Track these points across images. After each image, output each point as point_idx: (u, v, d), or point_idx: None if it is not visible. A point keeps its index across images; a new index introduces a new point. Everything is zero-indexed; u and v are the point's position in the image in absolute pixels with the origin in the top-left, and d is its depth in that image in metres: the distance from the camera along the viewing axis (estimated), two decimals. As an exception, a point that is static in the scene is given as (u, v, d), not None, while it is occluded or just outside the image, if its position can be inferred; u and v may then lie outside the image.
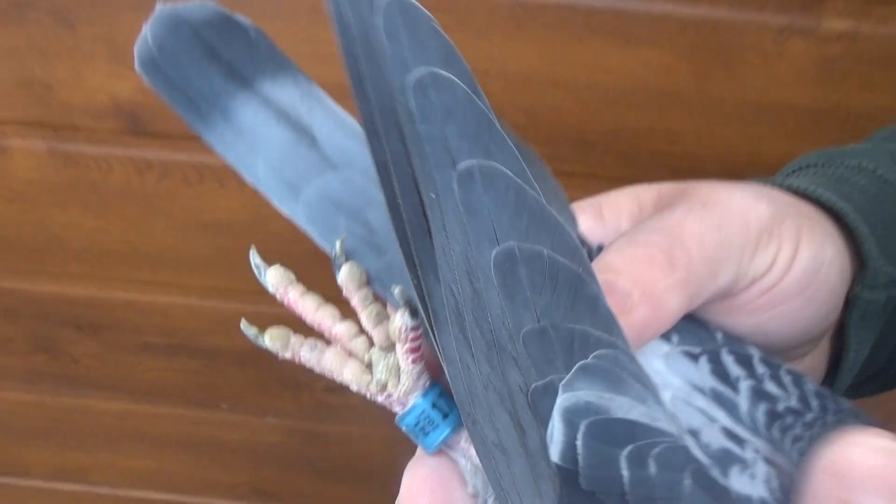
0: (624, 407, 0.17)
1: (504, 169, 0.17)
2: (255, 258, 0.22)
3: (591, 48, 0.49)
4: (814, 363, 0.27)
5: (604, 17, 0.48)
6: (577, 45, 0.49)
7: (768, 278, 0.22)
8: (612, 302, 0.18)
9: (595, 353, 0.17)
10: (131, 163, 0.57)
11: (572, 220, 0.24)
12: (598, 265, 0.20)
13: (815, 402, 0.20)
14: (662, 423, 0.17)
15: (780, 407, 0.20)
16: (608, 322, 0.18)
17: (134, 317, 0.65)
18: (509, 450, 0.18)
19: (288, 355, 0.22)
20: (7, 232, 0.62)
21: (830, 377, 0.28)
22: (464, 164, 0.17)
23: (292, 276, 0.22)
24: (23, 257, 0.63)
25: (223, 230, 0.60)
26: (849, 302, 0.25)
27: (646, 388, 0.17)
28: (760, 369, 0.21)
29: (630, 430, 0.17)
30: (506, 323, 0.17)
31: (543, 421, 0.17)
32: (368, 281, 0.22)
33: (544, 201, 0.17)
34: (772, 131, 0.51)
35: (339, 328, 0.22)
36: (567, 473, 0.16)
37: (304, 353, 0.22)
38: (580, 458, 0.16)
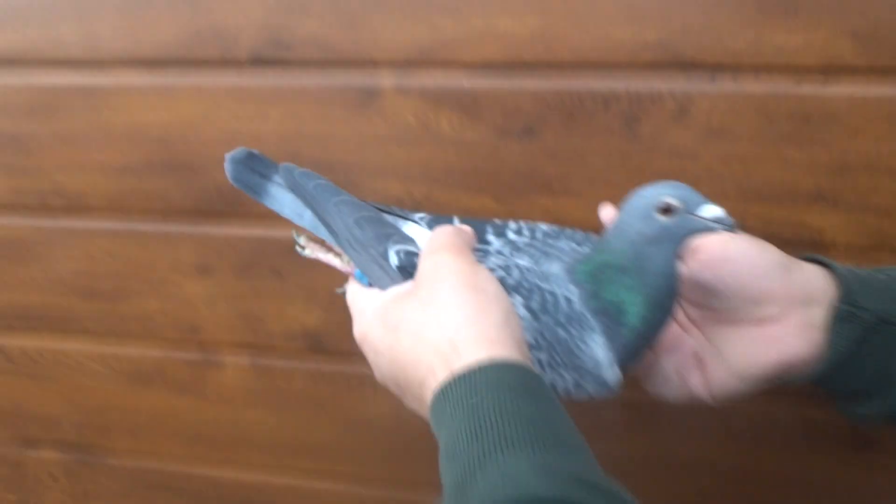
0: (411, 243, 0.48)
1: (353, 198, 0.50)
2: (299, 239, 0.55)
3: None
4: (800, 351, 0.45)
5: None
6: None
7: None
8: None
9: (392, 236, 0.48)
10: (309, 373, 0.77)
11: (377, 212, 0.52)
12: None
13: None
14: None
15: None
16: (393, 232, 0.49)
17: (294, 501, 0.81)
18: (378, 275, 0.47)
19: (309, 253, 0.55)
20: (206, 429, 0.81)
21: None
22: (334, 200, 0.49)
23: (316, 247, 0.56)
24: (215, 449, 0.82)
25: (371, 427, 0.77)
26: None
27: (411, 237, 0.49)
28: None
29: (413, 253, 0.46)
30: (362, 239, 0.47)
31: (388, 259, 0.47)
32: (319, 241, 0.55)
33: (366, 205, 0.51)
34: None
35: (332, 256, 0.55)
36: (400, 268, 0.45)
37: (321, 255, 0.55)
38: (401, 261, 0.45)
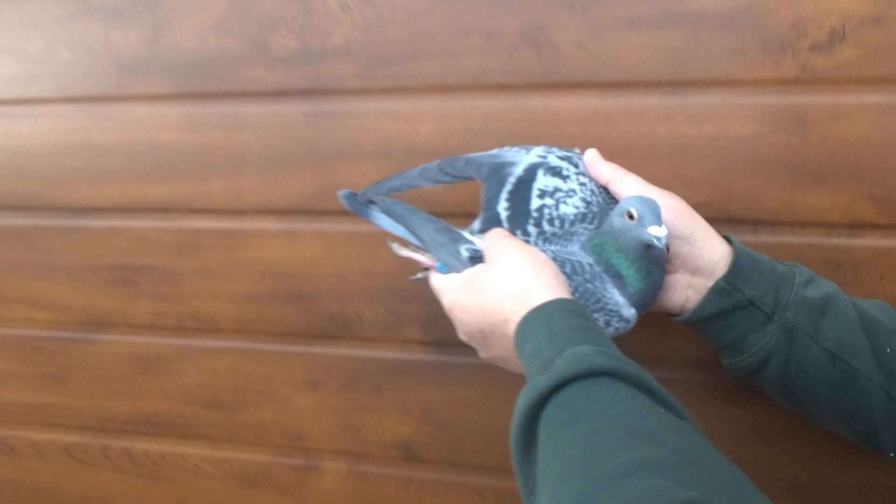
0: (476, 244, 0.64)
1: (429, 215, 0.67)
2: (393, 245, 0.70)
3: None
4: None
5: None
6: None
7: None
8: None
9: (460, 238, 0.64)
10: (401, 480, 0.87)
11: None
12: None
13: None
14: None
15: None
16: (459, 236, 0.65)
17: None
18: (455, 265, 0.63)
19: (403, 252, 0.69)
20: (304, 529, 0.91)
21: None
22: (417, 217, 0.67)
23: (406, 249, 0.70)
24: (311, 548, 0.91)
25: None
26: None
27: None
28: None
29: (476, 248, 0.63)
30: (441, 241, 0.64)
31: (460, 254, 0.63)
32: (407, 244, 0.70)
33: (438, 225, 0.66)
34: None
35: (420, 255, 0.68)
36: (469, 259, 0.62)
37: (411, 254, 0.69)
38: (470, 254, 0.61)
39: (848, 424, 0.60)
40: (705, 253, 0.60)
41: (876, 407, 0.57)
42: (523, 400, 0.48)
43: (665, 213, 0.59)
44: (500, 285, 0.57)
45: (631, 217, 0.57)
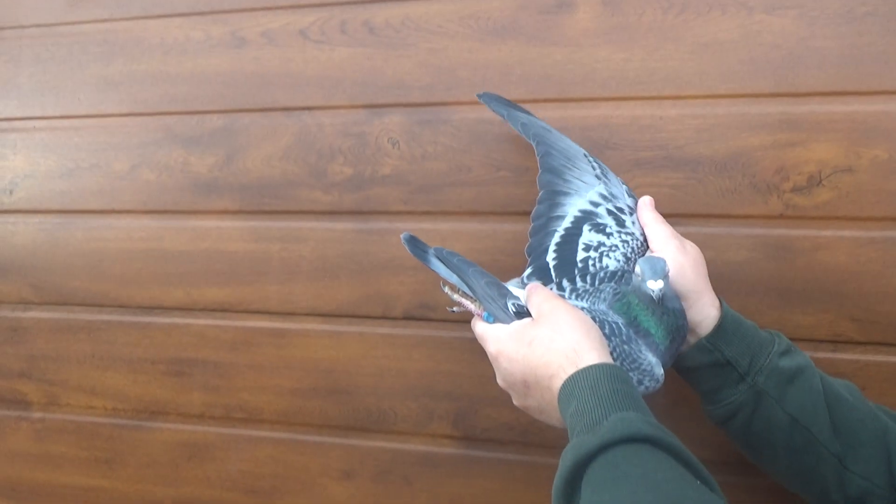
0: (521, 299, 0.69)
1: (481, 268, 0.72)
2: (445, 288, 0.75)
3: None
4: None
5: None
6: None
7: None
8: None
9: (507, 294, 0.70)
10: (426, 568, 0.93)
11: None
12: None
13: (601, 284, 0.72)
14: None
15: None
16: (507, 291, 0.71)
17: None
18: (502, 317, 0.68)
19: (454, 297, 0.75)
20: None
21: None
22: (470, 269, 0.72)
23: (457, 295, 0.75)
24: None
25: None
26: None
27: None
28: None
29: (522, 304, 0.69)
30: (491, 294, 0.70)
31: (507, 308, 0.68)
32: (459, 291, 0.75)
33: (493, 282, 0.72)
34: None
35: (468, 302, 0.73)
36: (516, 313, 0.67)
37: (462, 299, 0.74)
38: (515, 310, 0.67)
39: (802, 484, 0.67)
40: (693, 312, 0.68)
41: (829, 472, 0.64)
42: (570, 455, 0.53)
43: (671, 269, 0.66)
44: (550, 342, 0.61)
45: (638, 274, 0.65)
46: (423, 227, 0.88)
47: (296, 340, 0.95)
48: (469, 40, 0.86)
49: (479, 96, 0.81)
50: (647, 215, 0.72)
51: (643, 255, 0.72)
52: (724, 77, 0.79)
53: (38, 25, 1.00)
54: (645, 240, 0.72)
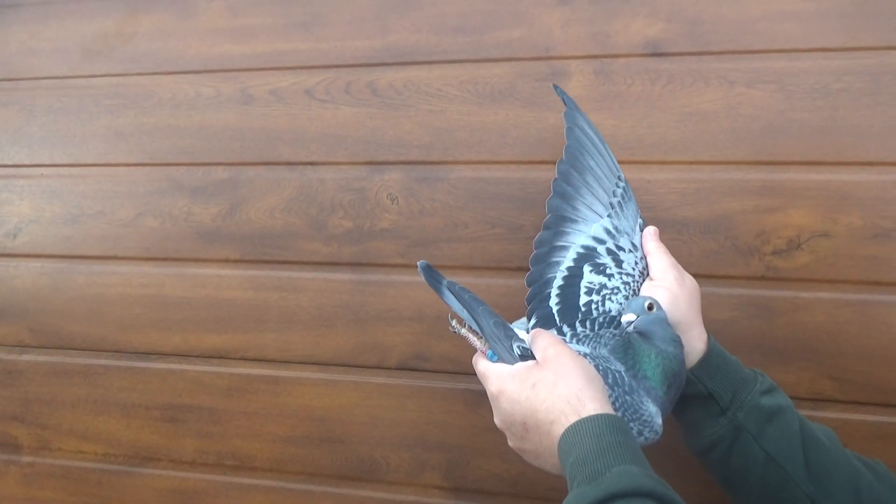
0: (526, 342, 0.70)
1: (489, 308, 0.72)
2: (452, 321, 0.75)
3: None
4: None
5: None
6: None
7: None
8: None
9: (513, 336, 0.71)
10: None
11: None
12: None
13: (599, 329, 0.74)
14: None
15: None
16: (513, 333, 0.71)
17: None
18: (507, 357, 0.68)
19: (461, 332, 0.74)
20: None
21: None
22: (480, 308, 0.72)
23: (464, 330, 0.74)
24: None
25: None
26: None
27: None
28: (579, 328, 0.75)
29: (526, 347, 0.70)
30: (498, 334, 0.70)
31: (512, 350, 0.68)
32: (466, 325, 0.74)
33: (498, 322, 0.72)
34: None
35: (474, 338, 0.73)
36: (520, 356, 0.68)
37: (468, 334, 0.73)
38: (520, 353, 0.67)
39: None
40: (683, 342, 0.69)
41: None
42: None
43: (664, 299, 0.69)
44: (553, 387, 0.62)
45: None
46: (419, 281, 0.90)
47: (291, 388, 0.96)
48: (467, 104, 0.90)
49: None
50: (651, 245, 0.74)
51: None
52: (708, 145, 0.84)
53: (53, 77, 1.04)
54: (643, 278, 0.74)
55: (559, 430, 0.60)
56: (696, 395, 0.70)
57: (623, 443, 0.57)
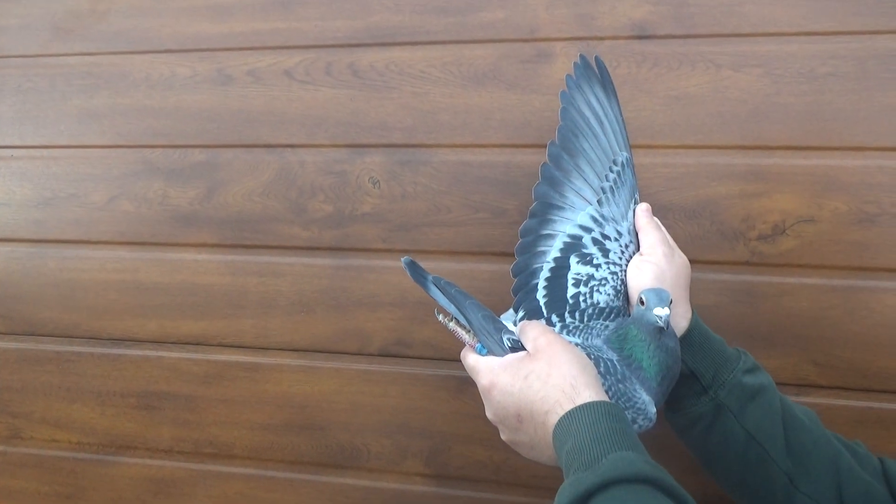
0: (513, 334, 0.68)
1: (477, 301, 0.70)
2: (438, 315, 0.73)
3: None
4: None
5: None
6: None
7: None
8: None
9: (503, 328, 0.68)
10: None
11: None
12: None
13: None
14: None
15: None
16: (502, 326, 0.69)
17: None
18: (497, 350, 0.67)
19: (449, 326, 0.72)
20: None
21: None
22: (467, 301, 0.70)
23: (452, 323, 0.72)
24: None
25: None
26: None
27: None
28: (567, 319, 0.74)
29: (517, 339, 0.68)
30: (487, 328, 0.68)
31: (502, 342, 0.67)
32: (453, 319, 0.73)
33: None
34: None
35: (462, 332, 0.71)
36: (511, 348, 0.66)
37: (455, 328, 0.72)
38: (510, 345, 0.66)
39: (751, 500, 0.69)
40: None
41: (778, 489, 0.67)
42: (567, 492, 0.53)
43: (650, 274, 0.69)
44: (547, 377, 0.61)
45: (642, 303, 0.65)
46: (401, 266, 0.89)
47: (270, 375, 0.95)
48: (451, 86, 0.89)
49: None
50: (642, 220, 0.74)
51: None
52: (694, 129, 0.83)
53: (22, 56, 1.01)
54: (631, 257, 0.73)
55: (554, 419, 0.59)
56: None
57: (619, 429, 0.57)
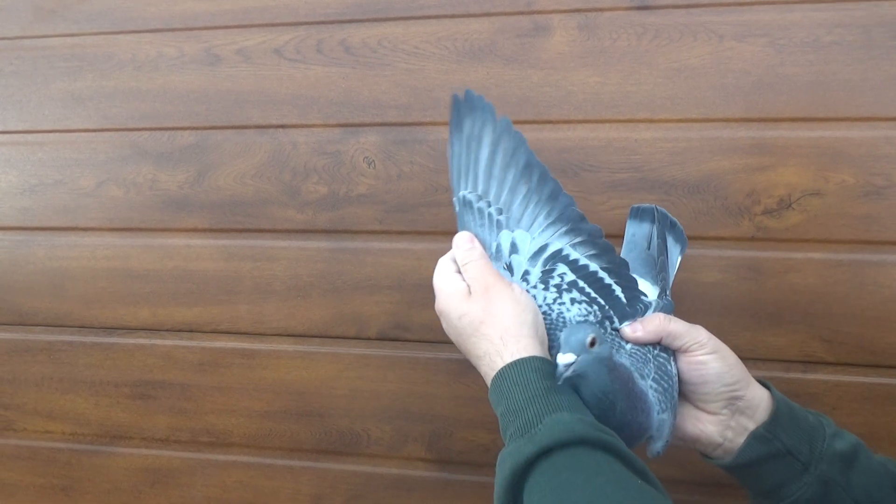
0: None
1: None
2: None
3: None
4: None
5: None
6: None
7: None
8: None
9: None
10: None
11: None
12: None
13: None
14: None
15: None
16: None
17: None
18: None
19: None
20: None
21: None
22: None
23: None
24: None
25: None
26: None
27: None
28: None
29: None
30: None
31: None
32: None
33: None
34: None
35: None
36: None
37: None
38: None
39: None
40: (748, 397, 0.61)
41: None
42: (509, 463, 0.51)
43: (715, 361, 0.60)
44: (479, 324, 0.58)
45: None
46: (397, 247, 0.87)
47: (266, 361, 0.93)
48: (446, 62, 0.86)
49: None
50: (673, 325, 0.63)
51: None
52: (696, 102, 0.81)
53: (3, 38, 0.97)
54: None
55: (487, 371, 0.58)
56: (771, 454, 0.60)
57: (551, 387, 0.54)
